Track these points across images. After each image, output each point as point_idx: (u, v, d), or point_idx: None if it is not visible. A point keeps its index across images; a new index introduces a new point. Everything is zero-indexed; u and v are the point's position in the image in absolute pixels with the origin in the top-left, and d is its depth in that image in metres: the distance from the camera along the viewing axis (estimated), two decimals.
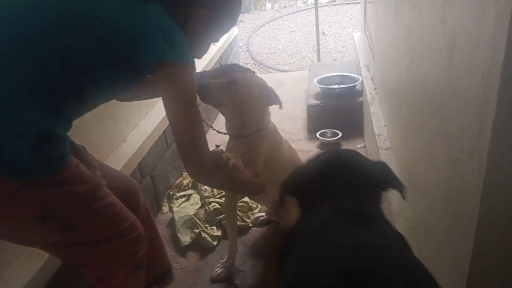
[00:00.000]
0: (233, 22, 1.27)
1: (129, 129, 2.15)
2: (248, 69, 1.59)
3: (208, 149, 1.16)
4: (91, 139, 1.78)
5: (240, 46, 5.60)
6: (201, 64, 2.91)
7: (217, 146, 2.72)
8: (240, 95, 1.53)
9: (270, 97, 1.60)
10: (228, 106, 1.55)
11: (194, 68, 1.10)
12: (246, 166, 1.53)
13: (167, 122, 2.33)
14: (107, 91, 1.15)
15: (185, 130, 1.10)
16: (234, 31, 4.17)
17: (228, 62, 3.88)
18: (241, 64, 4.59)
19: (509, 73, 0.73)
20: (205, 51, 1.28)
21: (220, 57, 3.59)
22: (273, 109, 1.67)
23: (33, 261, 1.33)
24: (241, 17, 7.30)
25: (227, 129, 1.67)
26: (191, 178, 1.16)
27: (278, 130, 1.78)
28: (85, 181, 1.06)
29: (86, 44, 1.01)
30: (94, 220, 1.08)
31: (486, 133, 0.80)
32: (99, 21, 1.01)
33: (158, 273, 1.47)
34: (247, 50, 5.79)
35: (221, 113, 1.65)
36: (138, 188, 1.42)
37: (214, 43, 1.31)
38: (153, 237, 1.44)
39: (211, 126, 1.71)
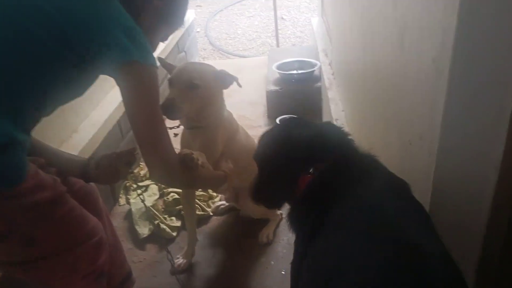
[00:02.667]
0: (182, 15, 1.24)
1: (80, 120, 2.04)
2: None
3: (173, 150, 1.13)
4: (37, 130, 1.67)
5: (198, 32, 5.48)
6: (157, 50, 2.81)
7: (175, 135, 2.66)
8: (202, 94, 1.48)
9: (225, 80, 1.56)
10: (191, 107, 1.49)
11: (157, 68, 1.06)
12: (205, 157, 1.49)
13: (121, 111, 2.27)
14: (64, 93, 1.09)
15: (149, 132, 1.06)
16: (191, 16, 4.06)
17: (185, 48, 3.78)
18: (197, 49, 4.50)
19: (459, 57, 0.73)
20: (154, 48, 1.23)
21: (177, 42, 3.48)
22: (233, 95, 1.63)
23: None
24: (199, 1, 7.13)
25: (181, 122, 1.62)
26: (155, 181, 1.13)
27: (238, 116, 1.75)
28: (46, 189, 0.99)
29: (45, 36, 0.93)
30: (56, 229, 1.03)
31: (437, 116, 0.81)
32: (58, 12, 0.94)
33: (124, 274, 1.40)
34: (205, 36, 5.68)
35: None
36: (96, 189, 1.35)
37: (163, 41, 1.27)
38: (114, 237, 1.38)
39: None
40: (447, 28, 0.74)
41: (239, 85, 1.58)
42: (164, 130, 1.09)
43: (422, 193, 0.92)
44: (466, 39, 0.72)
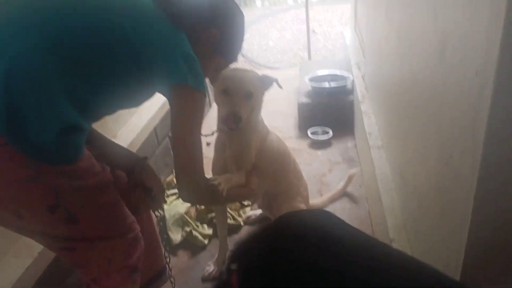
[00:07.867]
0: (237, 49, 1.31)
1: (119, 126, 2.12)
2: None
3: (203, 174, 1.20)
4: None
5: None
6: None
7: (208, 144, 2.70)
8: (255, 101, 1.55)
9: (268, 83, 1.62)
10: (248, 115, 1.54)
11: (205, 96, 1.16)
12: (239, 163, 1.51)
13: (158, 119, 2.35)
14: (124, 100, 1.20)
15: (185, 152, 1.15)
16: None
17: None
18: None
19: (504, 69, 0.72)
20: (208, 75, 1.31)
21: None
22: (264, 106, 1.67)
23: (21, 258, 1.30)
24: None
25: (218, 126, 1.65)
26: (183, 200, 1.23)
27: (269, 127, 1.77)
28: (96, 175, 1.09)
29: (120, 52, 1.05)
30: (98, 215, 1.10)
31: (481, 130, 0.80)
32: (133, 31, 1.06)
33: (153, 272, 1.44)
34: None
35: (220, 111, 1.61)
36: None
37: (217, 72, 1.35)
38: (151, 234, 1.42)
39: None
40: (492, 39, 0.74)
41: (280, 86, 1.64)
42: (199, 153, 1.17)
43: (462, 211, 0.91)
44: None
